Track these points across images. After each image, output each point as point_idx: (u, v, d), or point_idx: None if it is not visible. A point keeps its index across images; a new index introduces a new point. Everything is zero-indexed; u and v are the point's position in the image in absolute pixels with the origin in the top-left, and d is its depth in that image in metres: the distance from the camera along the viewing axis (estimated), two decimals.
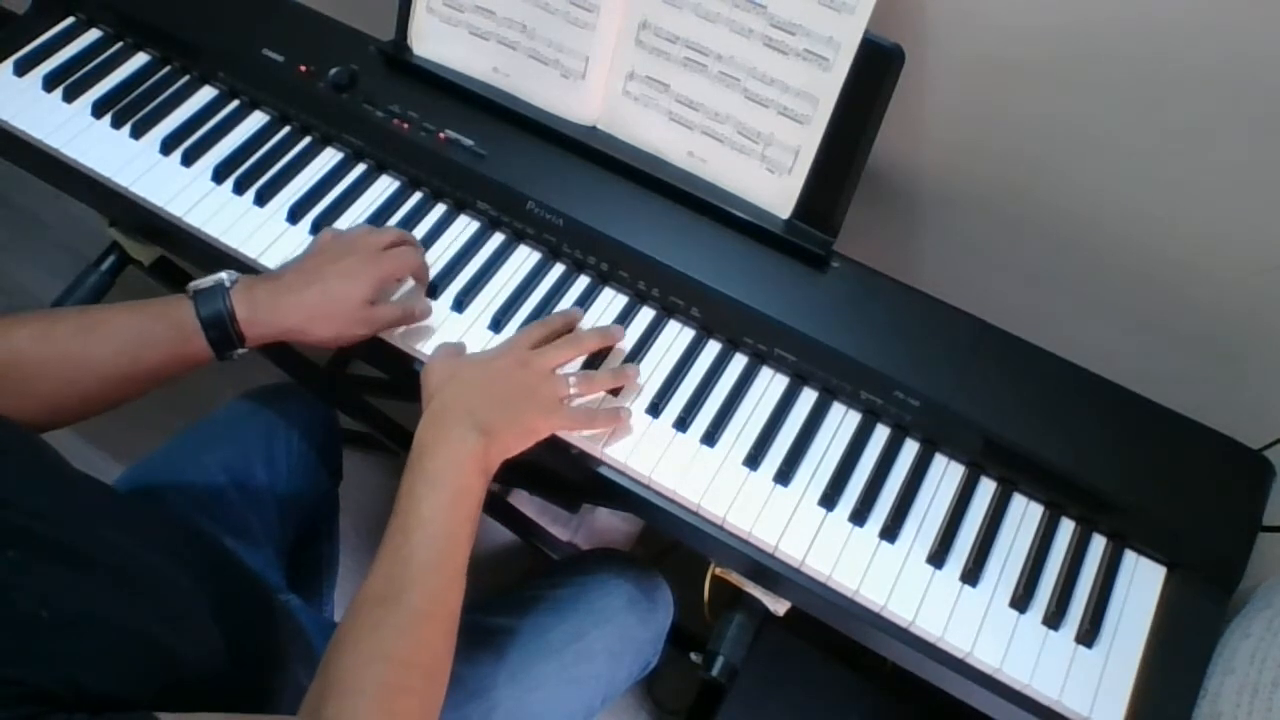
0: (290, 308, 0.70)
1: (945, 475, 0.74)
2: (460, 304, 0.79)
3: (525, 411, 0.67)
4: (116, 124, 0.87)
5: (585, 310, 0.79)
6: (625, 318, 0.79)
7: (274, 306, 0.69)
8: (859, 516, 0.71)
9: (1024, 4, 0.70)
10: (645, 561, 0.91)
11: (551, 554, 1.34)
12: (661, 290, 0.79)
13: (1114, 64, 0.70)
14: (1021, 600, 0.68)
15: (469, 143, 0.84)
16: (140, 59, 0.93)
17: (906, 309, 0.77)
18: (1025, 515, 0.72)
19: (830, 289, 0.78)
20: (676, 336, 0.79)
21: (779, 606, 0.76)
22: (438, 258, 0.82)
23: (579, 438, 0.72)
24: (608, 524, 1.44)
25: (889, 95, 0.72)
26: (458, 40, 0.86)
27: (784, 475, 0.72)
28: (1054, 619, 0.67)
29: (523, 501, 1.40)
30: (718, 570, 0.77)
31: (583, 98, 0.84)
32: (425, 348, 0.77)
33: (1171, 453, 0.72)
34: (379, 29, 0.90)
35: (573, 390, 0.71)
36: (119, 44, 0.93)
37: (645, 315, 0.80)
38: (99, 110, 0.88)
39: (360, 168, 0.87)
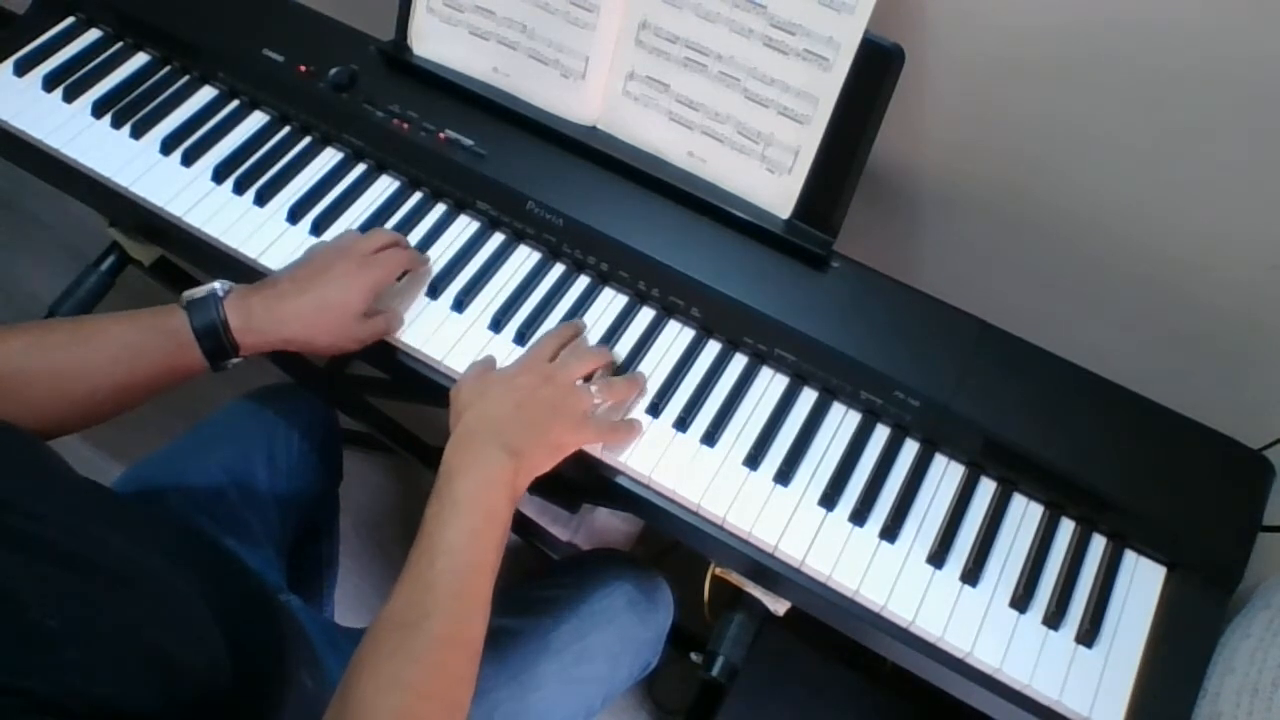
0: (285, 317, 0.69)
1: (945, 475, 0.74)
2: (460, 304, 0.79)
3: (553, 428, 0.67)
4: (116, 124, 0.87)
5: (585, 310, 0.80)
6: (625, 318, 0.79)
7: (268, 316, 0.69)
8: (859, 516, 0.71)
9: (1024, 4, 0.70)
10: (645, 561, 0.91)
11: (551, 554, 1.34)
12: (661, 290, 0.79)
13: (1114, 64, 0.70)
14: (1021, 600, 0.68)
15: (469, 143, 0.84)
16: (140, 59, 0.93)
17: (906, 309, 0.77)
18: (1025, 515, 0.72)
19: (830, 289, 0.78)
20: (676, 336, 0.79)
21: (779, 606, 0.76)
22: (438, 258, 0.82)
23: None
24: (608, 524, 1.44)
25: (889, 95, 0.72)
26: (458, 40, 0.86)
27: (784, 475, 0.72)
28: (1054, 619, 0.67)
29: (523, 501, 1.39)
30: (718, 570, 0.77)
31: (583, 98, 0.84)
32: (425, 347, 0.76)
33: (1171, 453, 0.72)
34: (379, 29, 0.90)
35: (596, 400, 0.70)
36: (119, 44, 0.93)
37: (645, 315, 0.80)
38: (99, 110, 0.88)
39: (360, 168, 0.87)
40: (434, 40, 0.88)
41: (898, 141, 0.83)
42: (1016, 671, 0.65)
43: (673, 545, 1.33)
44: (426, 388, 0.77)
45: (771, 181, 0.79)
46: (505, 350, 0.77)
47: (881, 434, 0.75)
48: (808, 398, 0.76)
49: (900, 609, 0.67)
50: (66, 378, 0.64)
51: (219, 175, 0.84)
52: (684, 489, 0.71)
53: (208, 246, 0.82)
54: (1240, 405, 0.78)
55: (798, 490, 0.72)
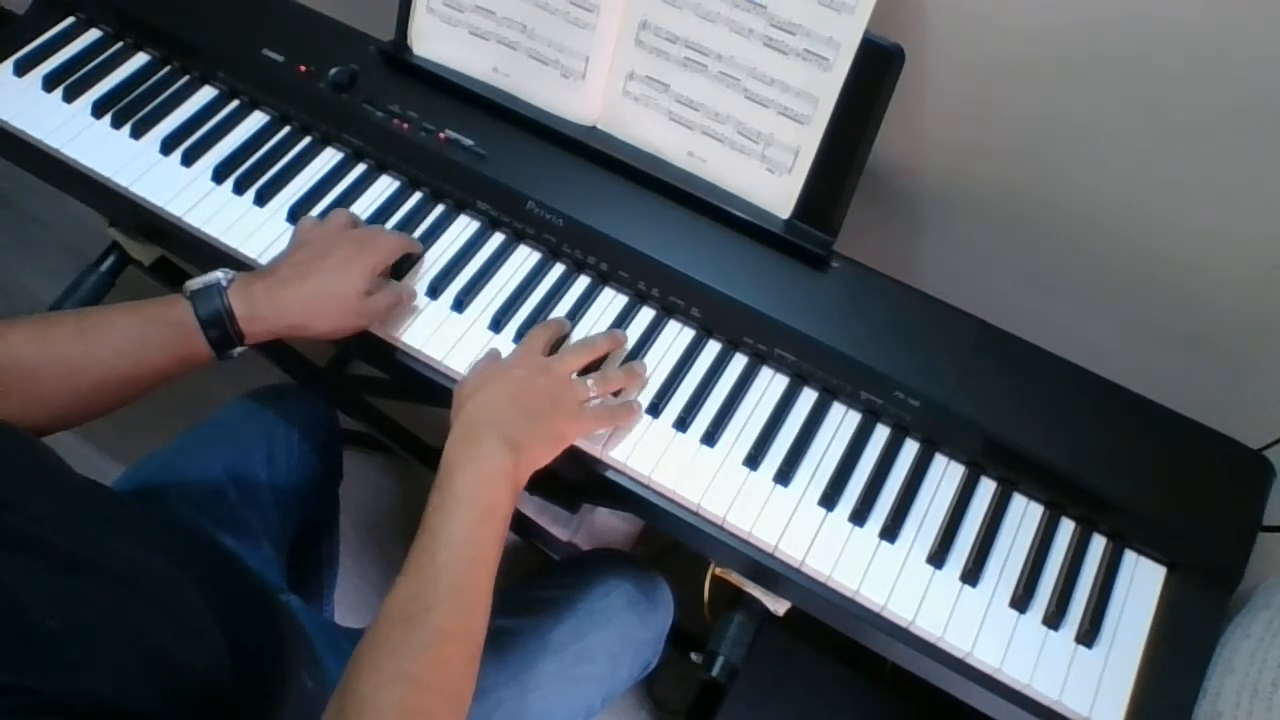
0: (288, 303, 0.70)
1: (945, 475, 0.74)
2: (460, 304, 0.79)
3: (552, 420, 0.67)
4: (116, 124, 0.87)
5: (585, 310, 0.80)
6: (625, 318, 0.79)
7: (272, 303, 0.69)
8: (859, 516, 0.71)
9: (1024, 4, 0.70)
10: (645, 561, 0.91)
11: (551, 554, 1.34)
12: (661, 290, 0.79)
13: (1114, 64, 0.70)
14: (1021, 600, 0.68)
15: (469, 143, 0.84)
16: (140, 59, 0.93)
17: (906, 309, 0.77)
18: (1025, 515, 0.72)
19: (830, 289, 0.78)
20: (676, 336, 0.79)
21: (779, 606, 0.76)
22: (438, 258, 0.82)
23: (581, 438, 0.72)
24: (608, 524, 1.44)
25: (889, 95, 0.72)
26: (458, 40, 0.86)
27: (784, 475, 0.72)
28: (1054, 619, 0.67)
29: (523, 501, 1.40)
30: (718, 570, 0.77)
31: (583, 98, 0.84)
32: (425, 347, 0.76)
33: (1171, 453, 0.72)
34: (379, 29, 0.90)
35: (592, 392, 0.71)
36: (119, 44, 0.93)
37: (645, 315, 0.80)
38: (99, 110, 0.88)
39: (360, 168, 0.87)
40: (434, 40, 0.88)
41: (898, 141, 0.83)
42: (1016, 671, 0.65)
43: (673, 545, 1.33)
44: (426, 388, 0.77)
45: (771, 181, 0.79)
46: (505, 351, 0.77)
47: (881, 434, 0.75)
48: (808, 398, 0.76)
49: (900, 609, 0.67)
50: (72, 369, 0.64)
51: (219, 175, 0.84)
52: (684, 489, 0.71)
53: (208, 246, 0.82)
54: (1240, 405, 0.78)
55: (798, 490, 0.72)
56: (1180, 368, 0.85)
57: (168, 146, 0.86)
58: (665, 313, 0.80)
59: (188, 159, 0.85)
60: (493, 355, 0.73)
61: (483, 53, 0.86)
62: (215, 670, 0.53)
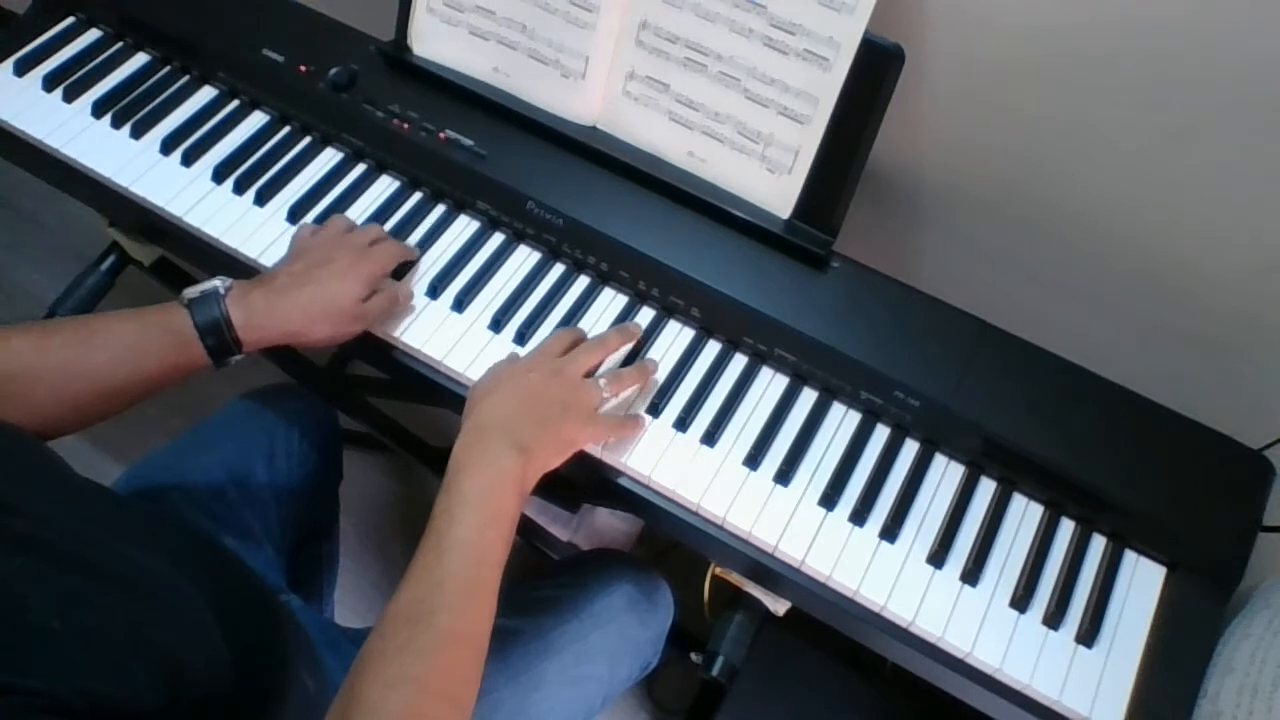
0: (287, 311, 0.70)
1: (945, 475, 0.74)
2: (460, 304, 0.79)
3: (563, 424, 0.67)
4: (116, 124, 0.87)
5: (586, 310, 0.80)
6: (625, 318, 0.79)
7: (270, 311, 0.69)
8: (859, 516, 0.71)
9: (1024, 4, 0.70)
10: (645, 562, 0.91)
11: (551, 554, 1.34)
12: (661, 290, 0.79)
13: (1114, 64, 0.70)
14: (1021, 600, 0.68)
15: (469, 143, 0.84)
16: (140, 59, 0.93)
17: (906, 309, 0.77)
18: (1025, 515, 0.72)
19: (830, 289, 0.78)
20: (676, 336, 0.79)
21: (779, 606, 0.76)
22: (438, 258, 0.82)
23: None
24: (608, 524, 1.44)
25: (889, 95, 0.72)
26: (458, 40, 0.86)
27: (784, 475, 0.72)
28: (1054, 619, 0.67)
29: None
30: (718, 570, 0.77)
31: (583, 98, 0.84)
32: (425, 347, 0.76)
33: (1171, 453, 0.72)
34: (379, 29, 0.90)
35: (605, 394, 0.70)
36: (119, 44, 0.93)
37: (645, 315, 0.80)
38: (99, 110, 0.88)
39: (360, 168, 0.87)
40: (434, 40, 0.88)
41: (898, 141, 0.83)
42: (1016, 671, 0.65)
43: (673, 545, 1.33)
44: (426, 388, 0.77)
45: (771, 181, 0.79)
46: (506, 351, 0.77)
47: (881, 434, 0.75)
48: (808, 398, 0.76)
49: (900, 609, 0.67)
50: (70, 377, 0.64)
51: (219, 175, 0.84)
52: (684, 489, 0.71)
53: (208, 246, 0.82)
54: (1240, 405, 0.78)
55: (798, 490, 0.72)
56: (1180, 368, 0.85)
57: (168, 146, 0.86)
58: (665, 313, 0.80)
59: (188, 159, 0.85)
60: (511, 358, 0.73)
61: (483, 53, 0.86)
62: (216, 671, 0.53)
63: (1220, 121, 0.69)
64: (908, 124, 0.81)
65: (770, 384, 0.77)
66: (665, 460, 0.72)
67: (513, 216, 0.82)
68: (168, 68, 0.92)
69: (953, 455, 0.74)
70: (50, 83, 0.89)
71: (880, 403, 0.74)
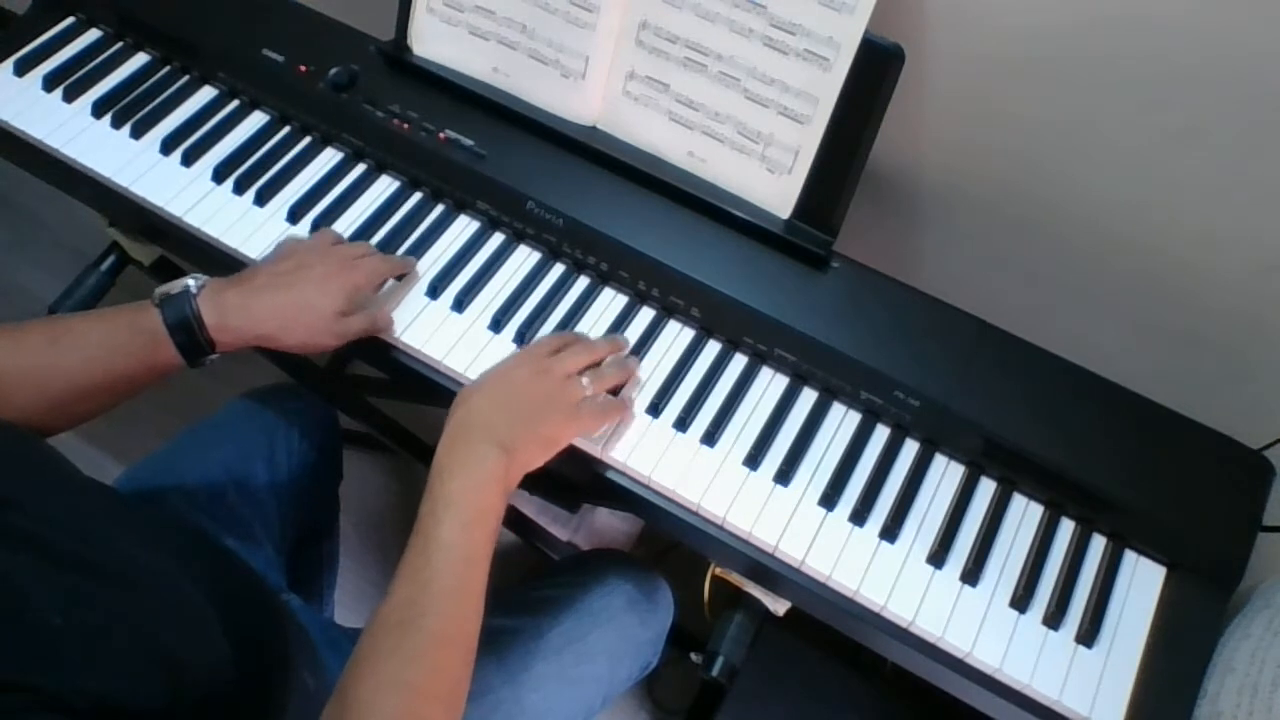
0: (261, 313, 0.69)
1: (945, 475, 0.74)
2: (460, 304, 0.79)
3: (546, 421, 0.67)
4: (116, 124, 0.87)
5: (586, 310, 0.80)
6: (625, 318, 0.79)
7: (244, 312, 0.68)
8: (859, 516, 0.71)
9: (1024, 4, 0.70)
10: (645, 561, 0.91)
11: (551, 554, 1.34)
12: (661, 290, 0.79)
13: (1114, 64, 0.70)
14: (1021, 600, 0.68)
15: (469, 143, 0.84)
16: (140, 59, 0.93)
17: (906, 309, 0.77)
18: (1025, 515, 0.72)
19: (830, 289, 0.78)
20: (676, 336, 0.79)
21: (779, 606, 0.76)
22: (438, 258, 0.82)
23: (581, 438, 0.72)
24: (608, 524, 1.44)
25: (889, 95, 0.72)
26: (458, 40, 0.86)
27: (784, 475, 0.72)
28: (1054, 619, 0.67)
29: (523, 501, 1.40)
30: (718, 570, 0.77)
31: (583, 98, 0.84)
32: (425, 347, 0.76)
33: (1171, 453, 0.72)
34: (379, 29, 0.90)
35: (588, 390, 0.70)
36: (119, 44, 0.93)
37: (645, 315, 0.80)
38: (99, 110, 0.88)
39: (360, 168, 0.87)
40: (434, 40, 0.88)
41: (898, 141, 0.83)
42: (1016, 671, 0.65)
43: (673, 545, 1.33)
44: (426, 388, 0.77)
45: (771, 181, 0.79)
46: (506, 351, 0.77)
47: (881, 434, 0.75)
48: (808, 398, 0.76)
49: (900, 609, 0.67)
50: (45, 378, 0.64)
51: (219, 175, 0.84)
52: (684, 489, 0.71)
53: (208, 246, 0.82)
54: (1240, 405, 0.78)
55: (798, 490, 0.72)
56: (1180, 368, 0.85)
57: (168, 146, 0.86)
58: (665, 313, 0.80)
59: (188, 159, 0.85)
60: (518, 352, 0.73)
61: (483, 53, 0.86)
62: (218, 670, 0.53)
63: (1221, 121, 0.69)
64: (908, 124, 0.81)
65: (770, 384, 0.77)
66: (665, 460, 0.72)
67: (513, 216, 0.82)
68: (168, 68, 0.92)
69: (953, 455, 0.74)
70: (50, 83, 0.89)
71: (880, 403, 0.74)
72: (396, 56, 0.88)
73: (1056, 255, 0.87)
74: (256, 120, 0.89)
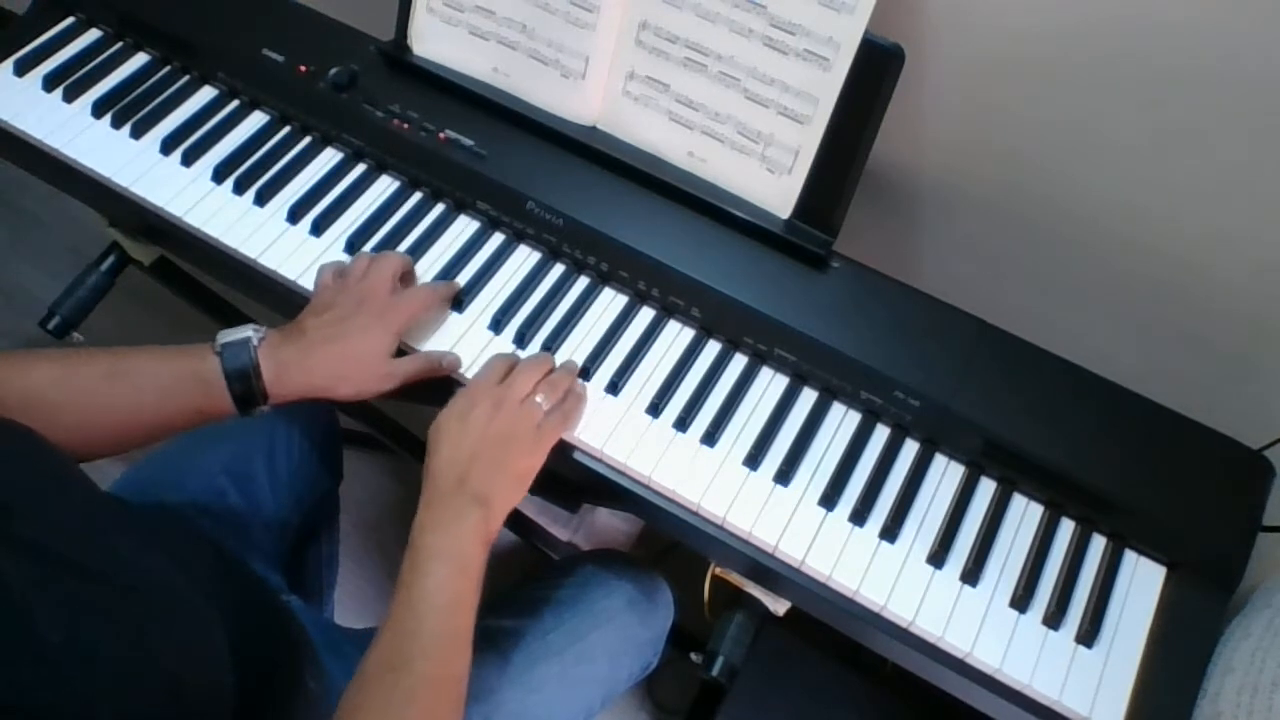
0: (315, 368, 0.69)
1: (945, 475, 0.74)
2: (460, 304, 0.79)
3: (514, 457, 0.67)
4: (116, 124, 0.87)
5: (585, 310, 0.80)
6: (625, 318, 0.79)
7: (301, 366, 0.68)
8: (859, 516, 0.71)
9: (1024, 4, 0.70)
10: (645, 562, 0.91)
11: (551, 554, 1.34)
12: (661, 290, 0.79)
13: (1114, 64, 0.70)
14: (1021, 600, 0.68)
15: (469, 143, 0.84)
16: (140, 59, 0.93)
17: (906, 309, 0.77)
18: (1025, 515, 0.72)
19: (830, 289, 0.78)
20: (676, 336, 0.79)
21: (779, 606, 0.76)
22: (437, 258, 0.82)
23: (579, 439, 0.72)
24: (608, 524, 1.44)
25: (889, 95, 0.72)
26: (458, 40, 0.86)
27: (784, 475, 0.72)
28: (1054, 619, 0.67)
29: (523, 502, 1.40)
30: (718, 570, 0.77)
31: (583, 98, 0.84)
32: (425, 346, 0.76)
33: (1171, 453, 0.72)
34: (379, 29, 0.90)
35: (545, 407, 0.69)
36: (119, 44, 0.93)
37: (645, 315, 0.80)
38: (99, 110, 0.88)
39: (360, 168, 0.87)
40: (434, 40, 0.88)
41: (898, 141, 0.83)
42: (1016, 671, 0.65)
43: (673, 545, 1.33)
44: (427, 387, 0.77)
45: (771, 181, 0.79)
46: (506, 351, 0.77)
47: (881, 434, 0.75)
48: (808, 398, 0.76)
49: (900, 609, 0.67)
50: (94, 411, 0.64)
51: (219, 175, 0.84)
52: (684, 489, 0.71)
53: (208, 246, 0.82)
54: (1240, 405, 0.78)
55: (798, 490, 0.72)
56: (1180, 368, 0.85)
57: (168, 146, 0.86)
58: (665, 313, 0.80)
59: (188, 159, 0.85)
60: (470, 385, 0.71)
61: (483, 53, 0.86)
62: (221, 681, 0.53)
63: (1221, 121, 0.69)
64: (908, 124, 0.81)
65: (770, 384, 0.77)
66: (665, 460, 0.72)
67: (513, 216, 0.82)
68: (168, 68, 0.92)
69: (953, 455, 0.74)
70: (50, 83, 0.89)
71: (880, 403, 0.74)
72: (396, 56, 0.88)
73: (1056, 255, 0.87)
74: (256, 120, 0.89)
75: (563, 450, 0.73)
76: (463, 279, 0.80)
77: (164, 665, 0.48)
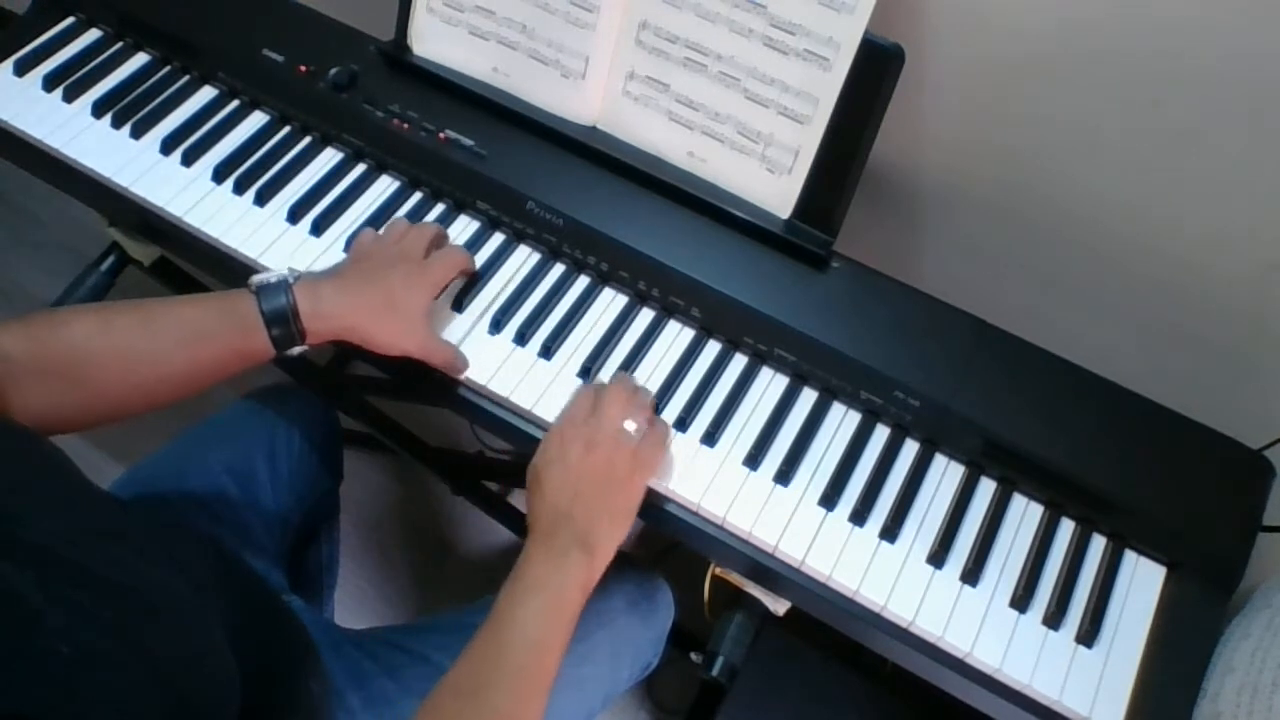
0: (354, 305, 0.69)
1: (945, 475, 0.74)
2: (460, 304, 0.79)
3: (612, 496, 0.67)
4: (116, 124, 0.87)
5: (585, 310, 0.80)
6: (625, 318, 0.79)
7: (338, 302, 0.68)
8: (859, 516, 0.71)
9: (1024, 3, 0.70)
10: (645, 562, 0.91)
11: None
12: (661, 290, 0.79)
13: (1114, 63, 0.70)
14: (1021, 600, 0.68)
15: (469, 143, 0.84)
16: (140, 59, 0.93)
17: (906, 309, 0.77)
18: (1025, 515, 0.72)
19: (830, 289, 0.78)
20: (676, 336, 0.79)
21: (779, 606, 0.76)
22: None
23: None
24: None
25: (889, 95, 0.72)
26: (458, 40, 0.86)
27: (784, 475, 0.72)
28: (1054, 619, 0.67)
29: (523, 501, 1.40)
30: (718, 570, 0.77)
31: (583, 98, 0.84)
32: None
33: (1171, 453, 0.72)
34: (379, 29, 0.90)
35: (637, 437, 0.70)
36: (119, 44, 0.93)
37: (645, 315, 0.80)
38: (99, 110, 0.88)
39: (360, 168, 0.87)
40: (434, 40, 0.88)
41: (898, 141, 0.83)
42: (1016, 671, 0.65)
43: (673, 545, 1.33)
44: (426, 388, 0.77)
45: (771, 181, 0.79)
46: (506, 351, 0.77)
47: (881, 434, 0.75)
48: (808, 398, 0.76)
49: (900, 609, 0.67)
50: (134, 360, 0.64)
51: (219, 175, 0.84)
52: (684, 489, 0.71)
53: (208, 246, 0.82)
54: (1240, 405, 0.78)
55: (798, 490, 0.72)
56: (1180, 368, 0.85)
57: (168, 146, 0.86)
58: (665, 313, 0.80)
59: (188, 159, 0.85)
60: (561, 425, 0.70)
61: (483, 53, 0.86)
62: (225, 686, 0.53)
63: (1221, 120, 0.69)
64: (908, 124, 0.81)
65: (770, 384, 0.77)
66: (665, 460, 0.72)
67: (513, 216, 0.82)
68: (168, 68, 0.92)
69: (953, 455, 0.74)
70: (50, 83, 0.89)
71: (880, 403, 0.74)
72: (396, 56, 0.88)
73: (1056, 255, 0.87)
74: (256, 120, 0.89)
75: None
76: (463, 279, 0.80)
77: (165, 667, 0.48)
